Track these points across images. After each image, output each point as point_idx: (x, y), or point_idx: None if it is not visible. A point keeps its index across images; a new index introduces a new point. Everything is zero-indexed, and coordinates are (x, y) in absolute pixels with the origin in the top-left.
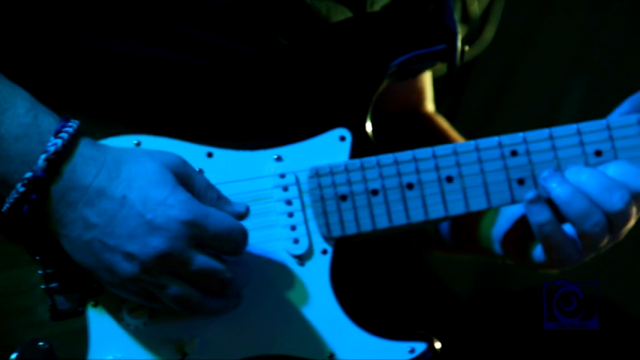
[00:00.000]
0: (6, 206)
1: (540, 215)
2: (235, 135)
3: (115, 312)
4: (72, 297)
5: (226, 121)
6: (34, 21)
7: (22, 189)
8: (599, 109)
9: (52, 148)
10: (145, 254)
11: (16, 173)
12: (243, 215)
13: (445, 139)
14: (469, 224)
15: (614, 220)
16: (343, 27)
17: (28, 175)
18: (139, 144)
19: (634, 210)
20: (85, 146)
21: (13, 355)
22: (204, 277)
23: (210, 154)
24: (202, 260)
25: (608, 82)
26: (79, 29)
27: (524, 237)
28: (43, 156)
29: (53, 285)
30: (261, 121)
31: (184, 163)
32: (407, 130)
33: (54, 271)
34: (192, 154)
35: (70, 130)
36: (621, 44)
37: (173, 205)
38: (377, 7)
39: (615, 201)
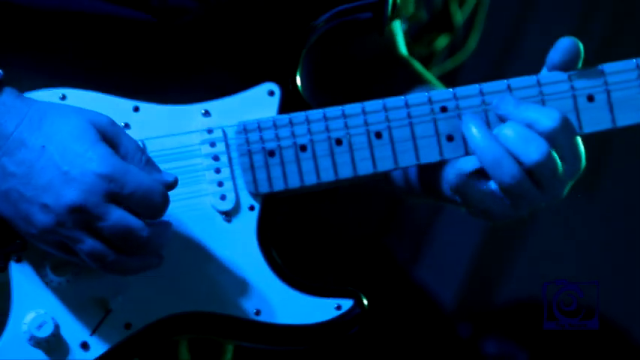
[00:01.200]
0: None
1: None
2: (163, 89)
3: (38, 268)
4: None
5: (154, 75)
6: None
7: None
8: None
9: None
10: (58, 206)
11: None
12: (171, 185)
13: (420, 81)
14: (434, 175)
15: (534, 168)
16: None
17: None
18: (63, 97)
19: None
20: (8, 95)
21: None
22: (119, 234)
23: (136, 108)
24: (117, 216)
25: None
26: None
27: None
28: None
29: None
30: (190, 75)
31: (112, 123)
32: (382, 74)
33: None
34: (119, 108)
35: None
36: (608, 44)
37: (91, 159)
38: None
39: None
